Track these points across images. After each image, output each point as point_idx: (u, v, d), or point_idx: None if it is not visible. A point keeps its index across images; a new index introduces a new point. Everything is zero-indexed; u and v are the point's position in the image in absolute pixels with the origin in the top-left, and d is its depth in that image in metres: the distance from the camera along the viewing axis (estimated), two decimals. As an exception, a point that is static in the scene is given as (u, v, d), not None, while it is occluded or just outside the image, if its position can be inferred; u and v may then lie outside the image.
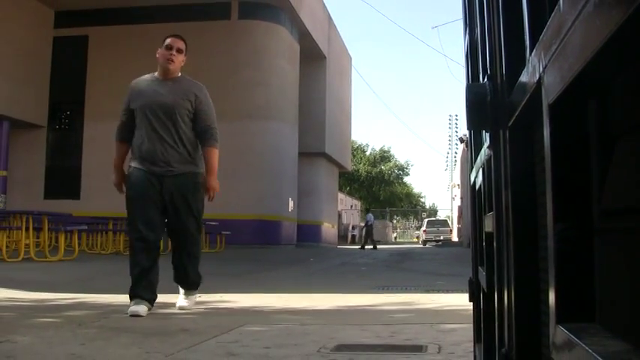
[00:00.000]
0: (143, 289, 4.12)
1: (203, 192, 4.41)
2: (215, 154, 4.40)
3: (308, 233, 25.47)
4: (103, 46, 19.86)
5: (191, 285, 4.48)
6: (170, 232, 4.45)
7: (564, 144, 0.70)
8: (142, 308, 4.01)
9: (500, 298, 1.22)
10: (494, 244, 1.29)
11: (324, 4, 27.01)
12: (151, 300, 4.16)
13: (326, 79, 26.99)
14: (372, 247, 24.64)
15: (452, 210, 48.71)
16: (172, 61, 4.37)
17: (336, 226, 28.57)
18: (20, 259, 9.47)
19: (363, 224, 28.78)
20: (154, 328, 3.50)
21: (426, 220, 42.27)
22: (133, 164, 4.36)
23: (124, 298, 4.25)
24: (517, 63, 1.00)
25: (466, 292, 2.23)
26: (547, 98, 0.70)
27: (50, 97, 20.53)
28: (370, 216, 27.00)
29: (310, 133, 25.05)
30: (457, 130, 48.79)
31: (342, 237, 36.73)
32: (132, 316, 3.90)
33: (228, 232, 15.97)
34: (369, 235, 25.75)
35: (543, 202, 0.84)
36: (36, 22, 19.72)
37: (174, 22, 18.70)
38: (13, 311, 4.23)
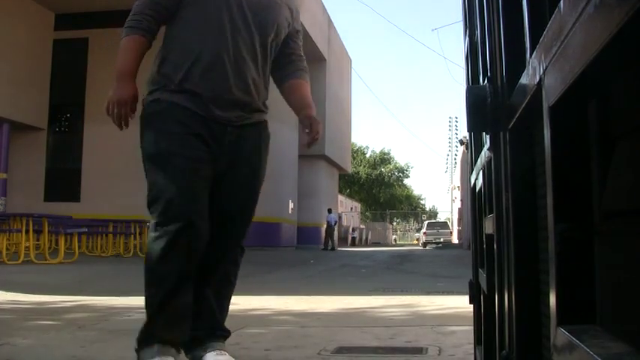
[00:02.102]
0: (179, 324, 2.28)
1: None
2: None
3: (308, 235, 25.46)
4: (103, 48, 19.83)
5: (222, 327, 2.49)
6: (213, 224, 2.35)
7: (565, 146, 0.70)
8: None
9: (501, 300, 1.22)
10: (495, 245, 1.29)
11: (323, 6, 27.02)
12: (184, 343, 2.34)
13: (326, 81, 26.99)
14: (330, 248, 24.47)
15: (452, 212, 48.73)
16: None
17: (336, 228, 28.53)
18: (20, 261, 9.46)
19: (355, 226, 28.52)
20: (154, 331, 3.49)
21: (426, 222, 42.25)
22: (169, 96, 2.33)
23: (123, 301, 4.25)
24: (517, 65, 1.00)
25: (466, 294, 2.23)
26: (547, 100, 0.70)
27: (50, 99, 20.53)
28: (331, 217, 26.09)
29: (310, 135, 25.00)
30: (457, 132, 48.87)
31: (343, 239, 36.72)
32: None
33: (228, 235, 15.95)
34: (329, 236, 25.39)
35: (543, 204, 0.84)
36: (36, 24, 19.73)
37: (174, 24, 18.72)
38: (13, 314, 4.22)
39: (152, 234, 2.24)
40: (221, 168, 2.37)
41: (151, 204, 2.27)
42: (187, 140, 2.28)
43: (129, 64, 2.33)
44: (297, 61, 2.70)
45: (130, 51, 2.33)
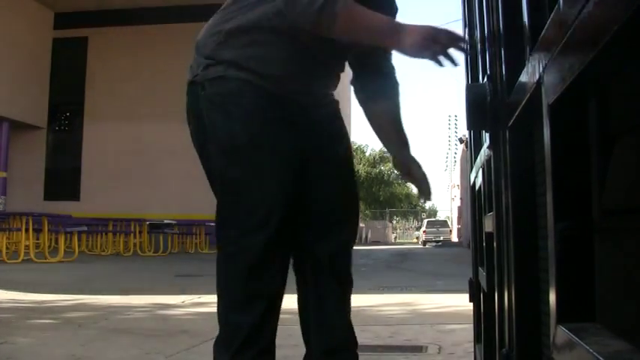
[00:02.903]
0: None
1: None
2: None
3: (308, 234, 25.44)
4: (102, 47, 19.83)
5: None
6: (306, 230, 1.87)
7: (564, 144, 0.70)
8: None
9: (501, 298, 1.22)
10: (495, 244, 1.29)
11: (323, 4, 26.99)
12: None
13: (325, 80, 26.98)
14: None
15: (451, 210, 48.78)
16: None
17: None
18: (20, 260, 9.46)
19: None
20: (154, 330, 3.49)
21: (425, 220, 42.28)
22: (235, 73, 1.76)
23: (124, 300, 4.24)
24: (517, 63, 1.00)
25: (466, 292, 2.23)
26: (547, 98, 0.70)
27: (50, 98, 20.50)
28: None
29: (310, 134, 25.02)
30: (457, 130, 48.94)
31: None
32: None
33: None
34: None
35: (543, 202, 0.84)
36: (35, 23, 19.71)
37: (173, 23, 18.71)
38: (13, 312, 4.22)
39: (230, 247, 1.74)
40: (306, 155, 1.84)
41: (229, 209, 1.76)
42: (272, 128, 1.76)
43: (388, 18, 1.76)
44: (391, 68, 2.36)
45: (374, 13, 1.66)
